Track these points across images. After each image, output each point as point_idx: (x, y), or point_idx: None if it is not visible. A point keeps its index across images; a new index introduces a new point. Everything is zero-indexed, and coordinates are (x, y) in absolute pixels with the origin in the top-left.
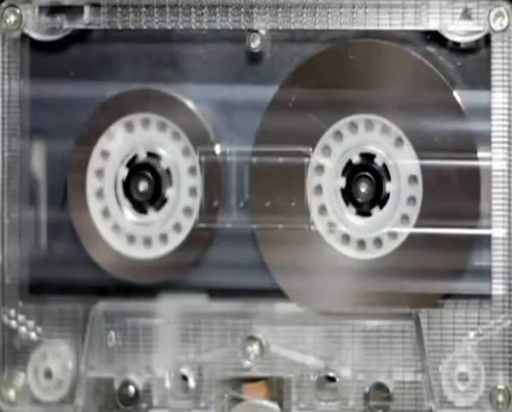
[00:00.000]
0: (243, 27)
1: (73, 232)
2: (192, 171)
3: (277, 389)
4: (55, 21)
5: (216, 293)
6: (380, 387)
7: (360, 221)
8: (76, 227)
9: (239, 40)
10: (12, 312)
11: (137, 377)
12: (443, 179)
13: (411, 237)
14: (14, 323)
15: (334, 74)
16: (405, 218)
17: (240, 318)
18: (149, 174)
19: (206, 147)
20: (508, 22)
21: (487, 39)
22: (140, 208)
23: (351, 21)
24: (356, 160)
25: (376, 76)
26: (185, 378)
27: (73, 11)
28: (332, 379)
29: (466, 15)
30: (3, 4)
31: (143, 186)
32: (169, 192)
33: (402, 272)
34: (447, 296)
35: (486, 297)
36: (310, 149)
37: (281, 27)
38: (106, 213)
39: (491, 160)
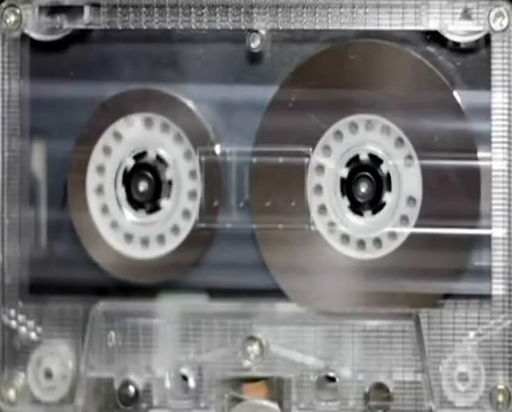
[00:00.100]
0: (243, 27)
1: (73, 232)
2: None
3: (277, 389)
4: (55, 21)
5: (216, 293)
6: (380, 387)
7: (360, 221)
8: (75, 226)
9: (239, 40)
10: (12, 312)
11: (137, 377)
12: (443, 179)
13: (411, 237)
14: (14, 323)
15: (334, 74)
16: (404, 218)
17: (240, 318)
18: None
19: (206, 147)
20: (508, 22)
21: (487, 39)
22: (140, 207)
23: (351, 21)
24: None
25: (376, 76)
26: (185, 378)
27: (73, 11)
28: (332, 379)
29: (466, 15)
30: (3, 4)
31: (143, 186)
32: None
33: (402, 272)
34: (447, 296)
35: (486, 297)
36: (310, 149)
37: (281, 27)
38: (105, 210)
39: (491, 160)
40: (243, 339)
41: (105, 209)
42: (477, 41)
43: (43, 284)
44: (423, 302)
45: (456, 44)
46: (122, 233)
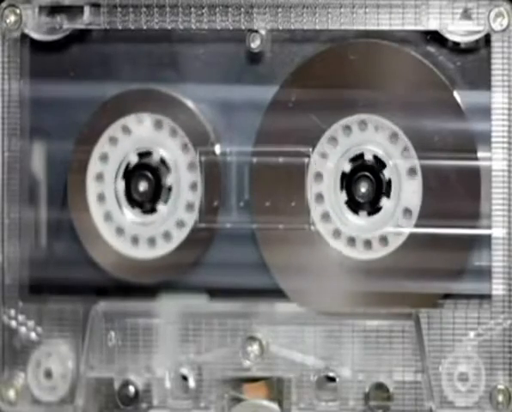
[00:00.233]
0: (243, 27)
1: (73, 232)
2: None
3: (277, 389)
4: (55, 21)
5: (216, 293)
6: (380, 387)
7: (360, 221)
8: (75, 227)
9: (239, 40)
10: (12, 312)
11: (137, 377)
12: (443, 179)
13: (411, 237)
14: (14, 323)
15: (334, 74)
16: (405, 218)
17: (240, 318)
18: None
19: (206, 147)
20: (508, 22)
21: (487, 39)
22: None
23: (351, 21)
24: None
25: (376, 76)
26: (185, 378)
27: (73, 11)
28: (332, 379)
29: (466, 15)
30: (3, 4)
31: (142, 186)
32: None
33: (402, 272)
34: (447, 296)
35: (486, 297)
36: (310, 149)
37: (281, 27)
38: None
39: (491, 160)
40: (243, 339)
41: (107, 216)
42: (477, 41)
43: (43, 284)
44: (423, 302)
45: (456, 44)
46: (122, 233)
